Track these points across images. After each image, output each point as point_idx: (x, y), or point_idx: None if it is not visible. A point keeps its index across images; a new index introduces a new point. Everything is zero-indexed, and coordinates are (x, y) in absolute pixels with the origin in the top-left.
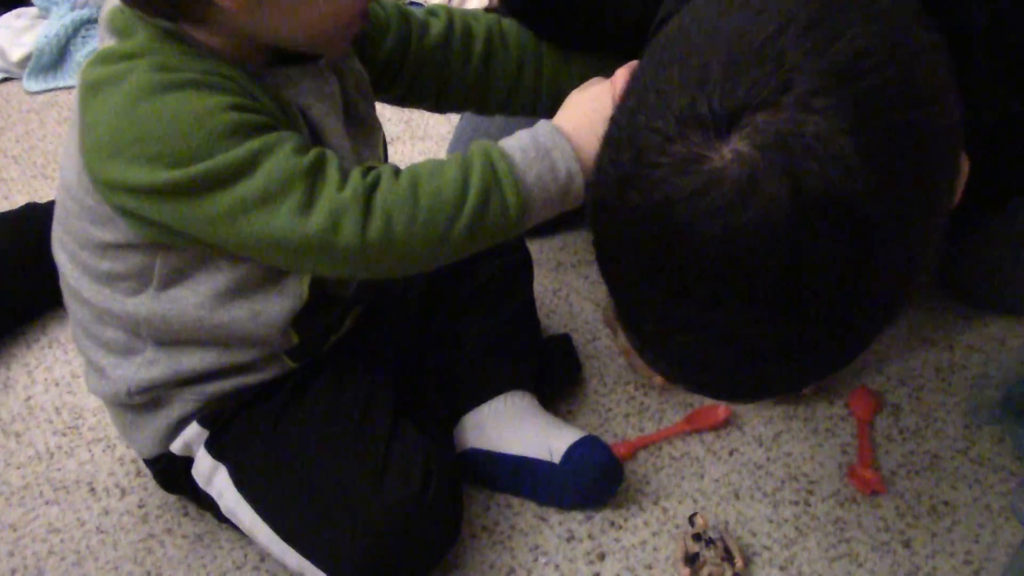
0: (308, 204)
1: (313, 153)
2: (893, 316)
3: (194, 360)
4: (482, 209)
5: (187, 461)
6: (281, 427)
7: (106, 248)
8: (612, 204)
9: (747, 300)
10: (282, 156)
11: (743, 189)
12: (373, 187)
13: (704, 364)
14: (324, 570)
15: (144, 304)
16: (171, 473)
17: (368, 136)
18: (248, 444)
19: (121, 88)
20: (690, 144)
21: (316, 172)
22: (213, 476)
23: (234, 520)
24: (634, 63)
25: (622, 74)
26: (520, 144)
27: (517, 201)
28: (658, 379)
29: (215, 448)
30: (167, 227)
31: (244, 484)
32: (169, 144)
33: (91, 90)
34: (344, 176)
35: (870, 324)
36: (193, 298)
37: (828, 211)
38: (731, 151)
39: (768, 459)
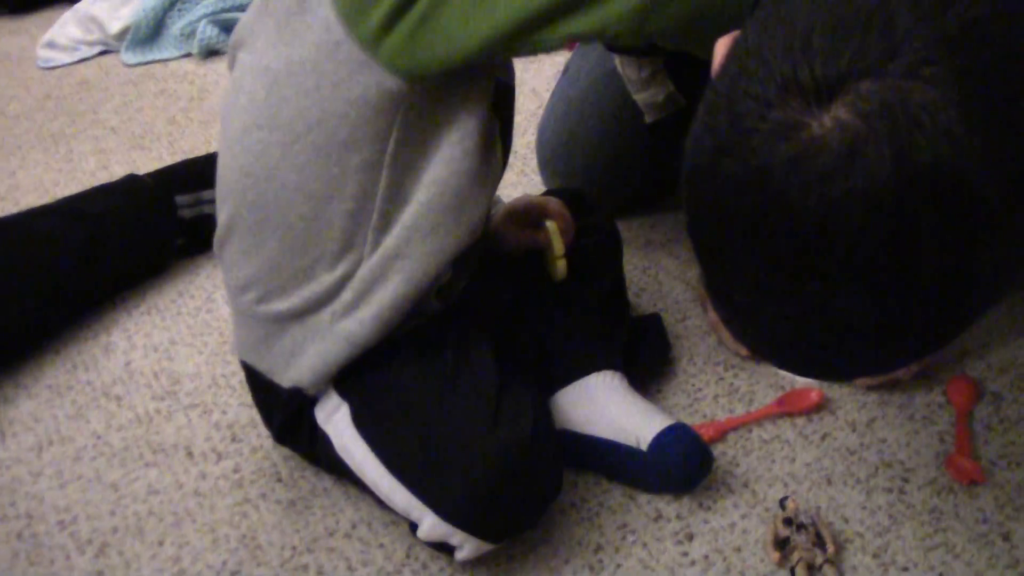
0: None
1: None
2: (997, 297)
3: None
4: None
5: (313, 401)
6: (402, 371)
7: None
8: (706, 171)
9: (844, 273)
10: None
11: (843, 158)
12: None
13: (796, 339)
14: (432, 507)
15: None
16: (295, 416)
17: None
18: (371, 385)
19: None
20: (790, 111)
21: None
22: (334, 414)
23: (346, 458)
24: (736, 33)
25: (724, 42)
26: None
27: None
28: (744, 349)
29: (341, 385)
30: None
31: (363, 422)
32: None
33: None
34: None
35: (972, 304)
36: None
37: (933, 183)
38: (832, 119)
39: (862, 445)
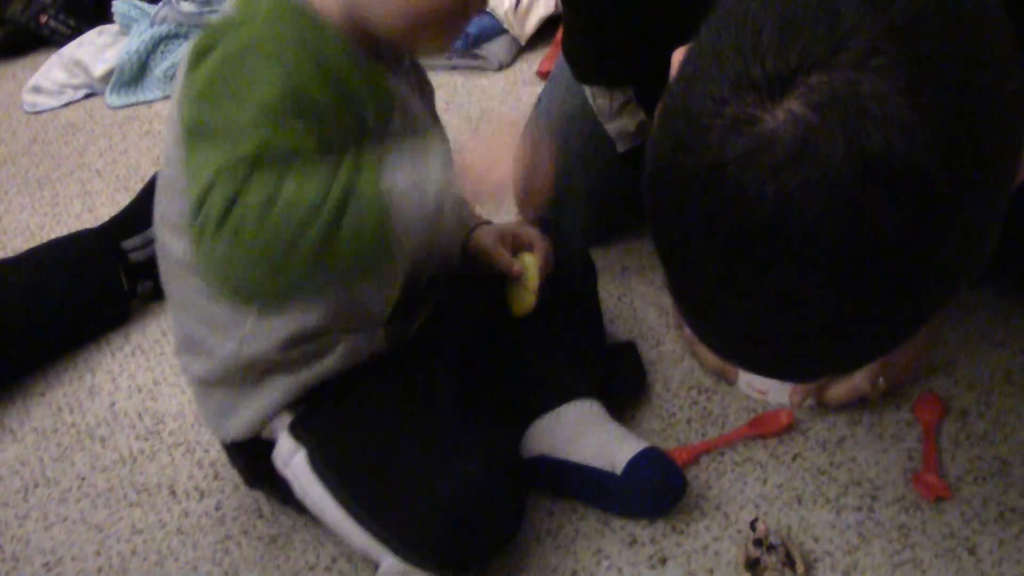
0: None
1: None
2: (954, 288)
3: (296, 325)
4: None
5: (270, 446)
6: (357, 411)
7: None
8: (665, 170)
9: (802, 263)
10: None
11: (797, 149)
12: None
13: (757, 335)
14: (389, 548)
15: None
16: (255, 461)
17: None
18: (324, 428)
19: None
20: (743, 106)
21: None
22: (291, 459)
23: (306, 501)
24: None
25: (680, 52)
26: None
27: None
28: (720, 368)
29: (296, 430)
30: None
31: (319, 465)
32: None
33: (196, 54)
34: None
35: (931, 290)
36: None
37: (886, 170)
38: (784, 112)
39: (832, 464)
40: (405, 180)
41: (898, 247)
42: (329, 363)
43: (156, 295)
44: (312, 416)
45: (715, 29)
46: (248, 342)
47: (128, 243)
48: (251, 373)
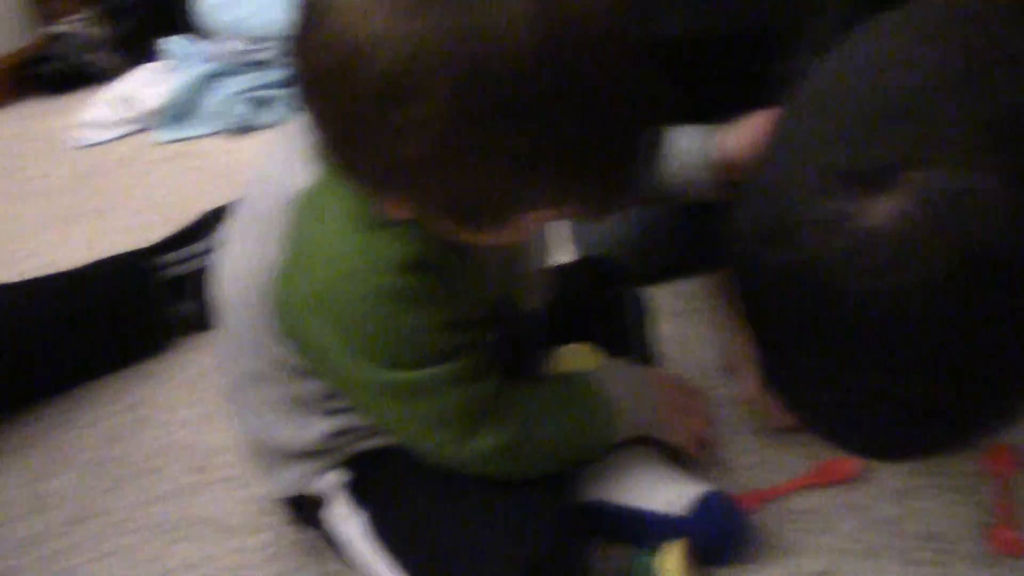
0: (466, 438)
1: (485, 388)
2: None
3: (355, 419)
4: (585, 451)
5: (322, 501)
6: (414, 480)
7: (283, 343)
8: (753, 261)
9: (905, 362)
10: (458, 390)
11: (898, 249)
12: (520, 433)
13: (856, 424)
14: None
15: (316, 383)
16: (306, 512)
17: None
18: (382, 494)
19: (350, 271)
20: (838, 201)
21: (482, 411)
22: (345, 521)
23: (362, 566)
24: (768, 112)
25: (757, 123)
26: (618, 391)
27: (608, 442)
28: (782, 421)
29: (351, 494)
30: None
31: (376, 532)
32: (375, 347)
33: (307, 247)
34: (500, 417)
35: None
36: None
37: (991, 268)
38: (884, 209)
39: (901, 516)
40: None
41: (1003, 343)
42: (383, 438)
43: (199, 325)
44: (366, 477)
45: (802, 111)
46: (307, 430)
47: (164, 258)
48: (303, 450)
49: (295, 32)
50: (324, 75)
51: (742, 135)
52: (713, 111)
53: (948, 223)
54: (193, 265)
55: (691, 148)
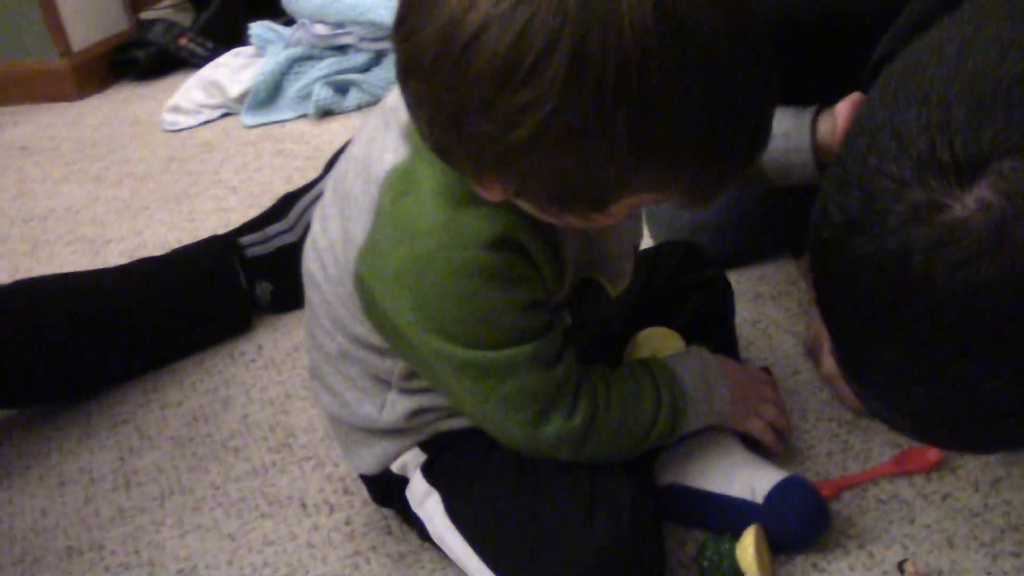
0: (538, 422)
1: (560, 372)
2: None
3: (436, 399)
4: (656, 439)
5: (402, 480)
6: (493, 460)
7: (362, 321)
8: (837, 249)
9: (992, 355)
10: (534, 373)
11: (989, 240)
12: (592, 419)
13: (939, 417)
14: None
15: (397, 362)
16: (387, 490)
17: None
18: (461, 474)
19: (436, 247)
20: (928, 191)
21: (555, 395)
22: (425, 500)
23: (442, 545)
24: (857, 96)
25: (845, 108)
26: (692, 379)
27: (680, 431)
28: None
29: (431, 474)
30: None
31: (455, 512)
32: (455, 326)
33: (393, 223)
34: (575, 400)
35: None
36: None
37: None
38: (975, 199)
39: (986, 506)
40: (701, 396)
41: None
42: (462, 420)
43: (275, 305)
44: (446, 457)
45: (891, 98)
46: (387, 408)
47: (246, 239)
48: (383, 427)
49: (400, 16)
50: (432, 61)
51: (836, 119)
52: (814, 94)
53: None
54: (274, 244)
55: (790, 131)
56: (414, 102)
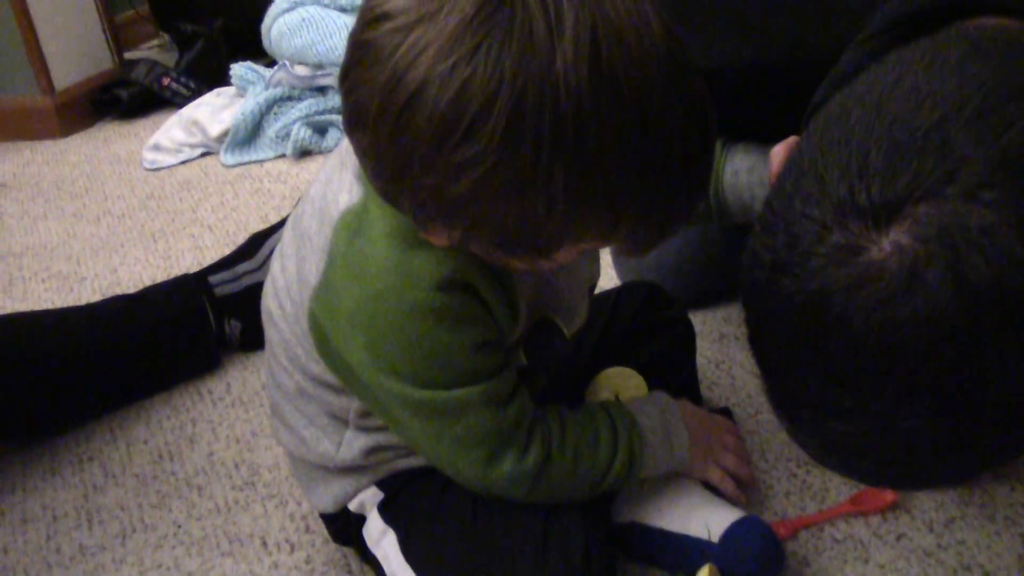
0: (490, 461)
1: (512, 412)
2: None
3: (392, 437)
4: (611, 483)
5: (361, 519)
6: (448, 499)
7: (318, 360)
8: (764, 289)
9: (909, 393)
10: (486, 413)
11: (903, 282)
12: (545, 460)
13: (862, 453)
14: None
15: (352, 400)
16: (345, 528)
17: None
18: (417, 513)
19: (387, 288)
20: (848, 234)
21: (508, 436)
22: (382, 539)
23: None
24: (792, 141)
25: (779, 152)
26: (652, 424)
27: (635, 476)
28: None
29: (387, 512)
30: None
31: (410, 551)
32: (406, 365)
33: (346, 263)
34: (528, 441)
35: None
36: None
37: (995, 305)
38: (891, 243)
39: (939, 546)
40: (660, 441)
41: (1006, 378)
42: (419, 458)
43: (244, 343)
44: (402, 496)
45: (817, 144)
46: (344, 445)
47: (216, 278)
48: (340, 465)
49: (345, 68)
50: (375, 116)
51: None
52: (784, 133)
53: (946, 257)
54: (244, 283)
55: (755, 165)
56: (359, 152)
